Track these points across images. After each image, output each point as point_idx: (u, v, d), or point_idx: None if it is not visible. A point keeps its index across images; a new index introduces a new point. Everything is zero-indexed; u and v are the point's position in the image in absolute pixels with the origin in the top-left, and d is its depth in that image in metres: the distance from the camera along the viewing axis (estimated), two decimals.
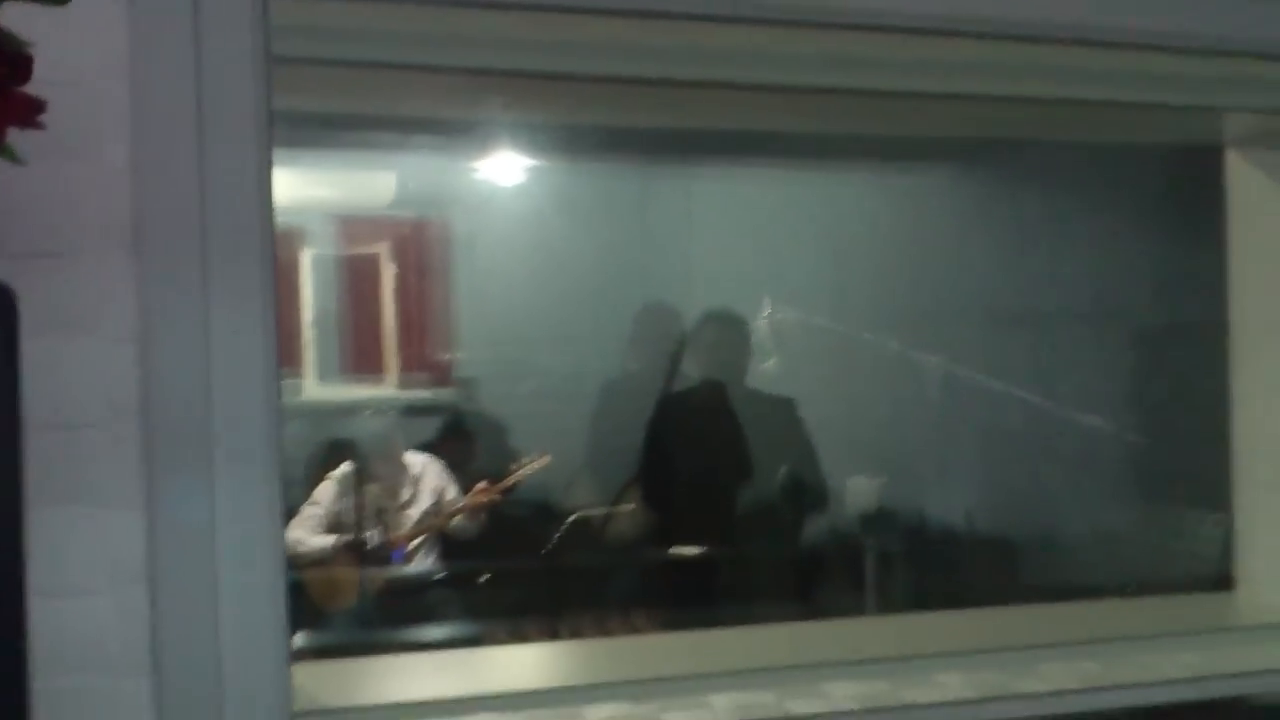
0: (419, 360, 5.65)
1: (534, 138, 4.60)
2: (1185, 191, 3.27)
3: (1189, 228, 3.21)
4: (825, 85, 2.04)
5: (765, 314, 4.79)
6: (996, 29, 1.81)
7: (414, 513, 4.39)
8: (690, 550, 3.97)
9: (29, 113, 1.15)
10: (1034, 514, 4.34)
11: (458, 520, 4.39)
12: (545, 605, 4.05)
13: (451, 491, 4.45)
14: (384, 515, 4.28)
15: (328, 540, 4.15)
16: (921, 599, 4.27)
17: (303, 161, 5.02)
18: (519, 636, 3.84)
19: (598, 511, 4.22)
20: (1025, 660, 1.95)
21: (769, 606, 3.96)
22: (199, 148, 1.48)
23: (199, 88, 1.49)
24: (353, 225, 5.77)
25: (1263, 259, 2.43)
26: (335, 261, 5.72)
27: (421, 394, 5.41)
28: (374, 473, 4.38)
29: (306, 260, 5.60)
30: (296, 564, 4.12)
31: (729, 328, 4.20)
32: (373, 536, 4.19)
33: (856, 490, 4.27)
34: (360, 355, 5.68)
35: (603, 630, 3.86)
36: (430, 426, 4.82)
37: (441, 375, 5.54)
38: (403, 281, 5.75)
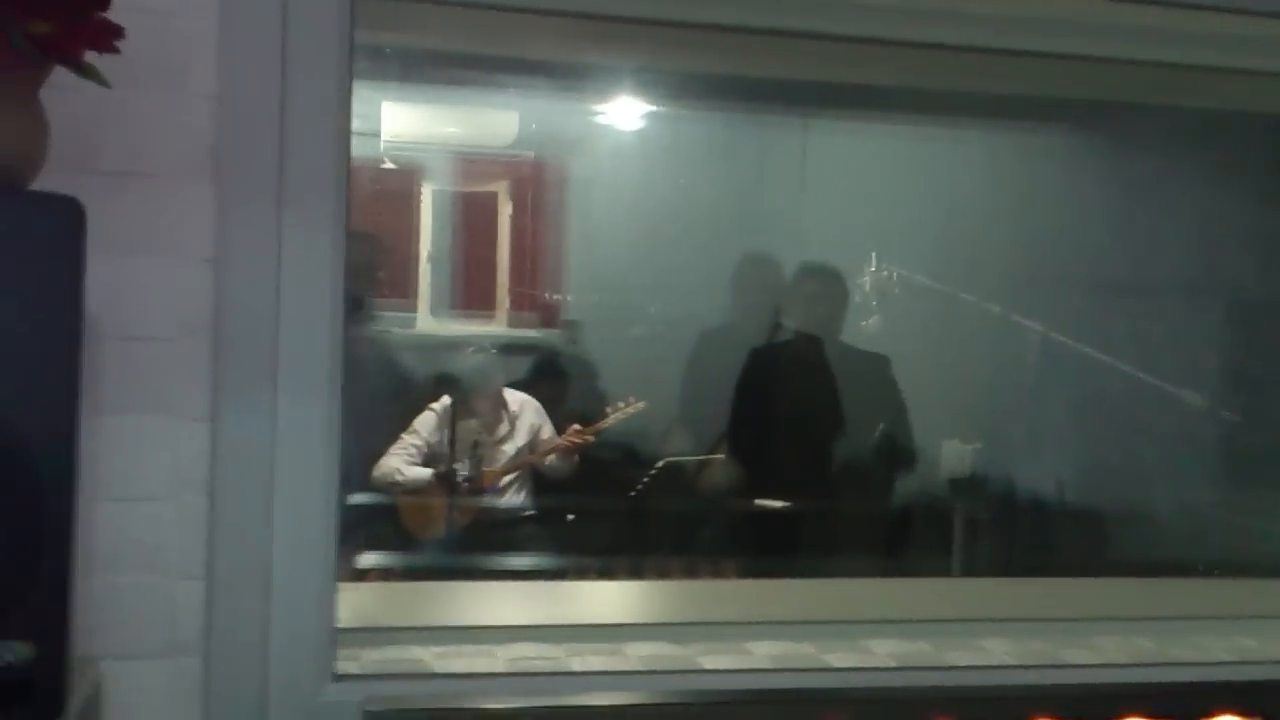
0: (528, 300, 5.74)
1: (655, 84, 4.61)
2: None
3: None
4: (942, 41, 2.01)
5: (870, 270, 4.74)
6: None
7: (509, 449, 4.49)
8: (775, 503, 3.98)
9: (107, 37, 1.22)
10: (1125, 488, 4.24)
11: (551, 460, 4.47)
12: (628, 546, 4.12)
13: (547, 430, 4.53)
14: (479, 449, 4.38)
15: (424, 473, 4.27)
16: (1005, 566, 4.21)
17: (428, 98, 5.12)
18: (600, 574, 3.93)
19: (688, 459, 4.26)
20: (1080, 631, 1.93)
21: (850, 563, 3.96)
22: (282, 79, 1.54)
23: (284, 20, 1.54)
24: (473, 163, 5.86)
25: None
26: (454, 198, 5.82)
27: (528, 333, 5.50)
28: (473, 408, 4.48)
29: (427, 195, 5.71)
30: (391, 492, 4.26)
31: (825, 281, 4.18)
32: (467, 470, 4.30)
33: (950, 454, 4.22)
34: (472, 292, 5.79)
35: (680, 574, 3.92)
36: (532, 365, 4.90)
37: (549, 316, 5.62)
38: (518, 221, 5.83)
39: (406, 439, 4.34)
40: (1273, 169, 3.59)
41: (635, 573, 3.91)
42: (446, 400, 4.37)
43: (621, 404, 4.51)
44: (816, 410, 4.04)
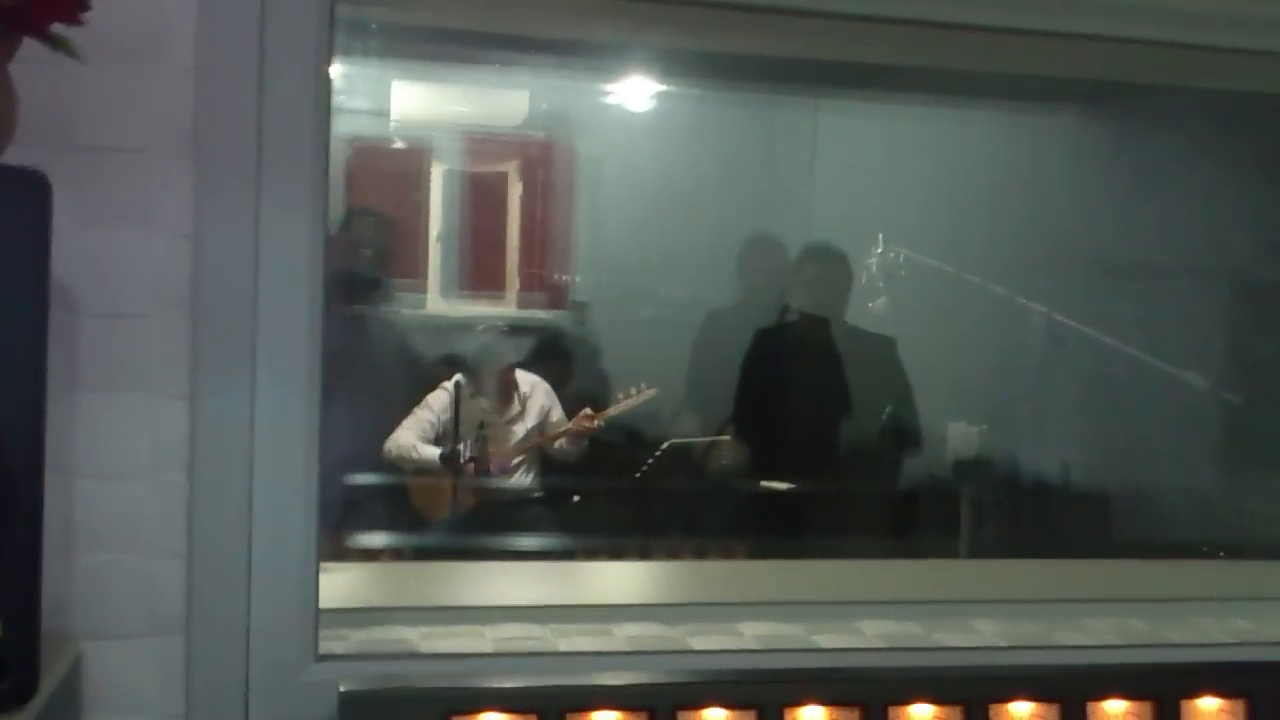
0: (537, 281, 5.72)
1: (665, 63, 4.58)
2: None
3: None
4: (953, 20, 1.99)
5: (877, 251, 4.71)
6: None
7: (519, 430, 4.48)
8: (781, 484, 3.97)
9: (73, 9, 1.20)
10: (1130, 470, 4.21)
11: (561, 443, 4.46)
12: (632, 528, 4.11)
13: (557, 413, 4.53)
14: (490, 429, 4.38)
15: (435, 451, 4.27)
16: (1011, 547, 4.20)
17: (439, 77, 5.10)
18: (605, 555, 3.92)
19: (692, 440, 4.24)
20: (1072, 613, 1.91)
21: (855, 544, 3.95)
22: (260, 52, 1.52)
23: None
24: (483, 142, 5.84)
25: None
26: (464, 178, 5.80)
27: (537, 314, 5.49)
28: (485, 388, 4.48)
29: (436, 175, 5.69)
30: (403, 466, 4.27)
31: (829, 263, 4.16)
32: (477, 449, 4.29)
33: (956, 436, 4.20)
34: (481, 272, 5.77)
35: (685, 555, 3.91)
36: (539, 345, 4.89)
37: (557, 297, 5.61)
38: (527, 201, 5.81)
39: (420, 414, 4.34)
40: None
41: (641, 554, 3.90)
42: (459, 378, 4.37)
43: (633, 390, 4.49)
44: (822, 391, 4.02)
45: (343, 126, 4.66)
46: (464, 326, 5.26)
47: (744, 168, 5.23)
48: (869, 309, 4.53)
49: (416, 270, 5.59)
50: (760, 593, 2.05)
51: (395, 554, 3.92)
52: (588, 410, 4.45)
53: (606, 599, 2.02)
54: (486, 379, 4.51)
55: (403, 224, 5.51)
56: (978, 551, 4.09)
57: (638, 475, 4.20)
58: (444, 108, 5.54)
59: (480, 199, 5.85)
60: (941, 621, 1.83)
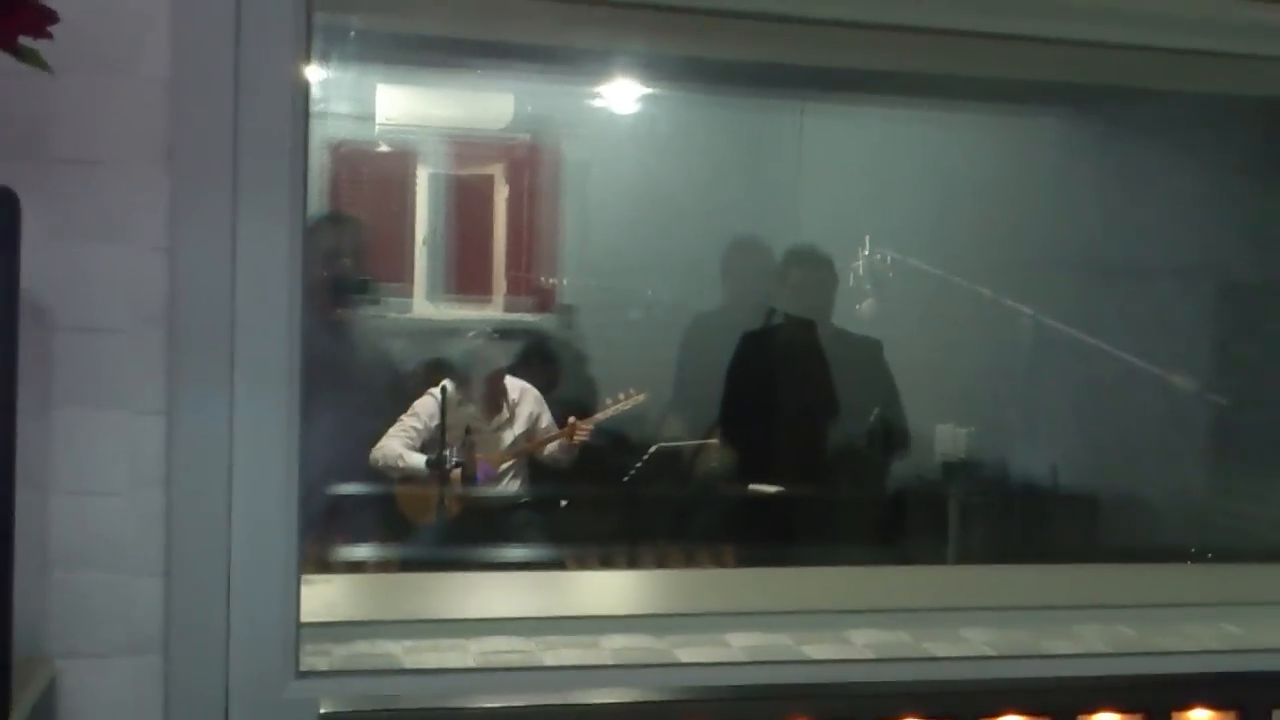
0: (524, 284, 5.69)
1: (651, 66, 4.56)
2: None
3: None
4: (938, 26, 1.98)
5: (864, 254, 4.70)
6: None
7: (507, 437, 4.45)
8: (769, 488, 3.95)
9: (40, 22, 1.18)
10: (1118, 472, 4.20)
11: (550, 449, 4.43)
12: (620, 533, 4.09)
13: (546, 419, 4.49)
14: (477, 436, 4.35)
15: (422, 459, 4.24)
16: (1000, 550, 4.19)
17: (423, 81, 5.08)
18: (594, 562, 3.90)
19: (679, 444, 4.22)
20: (1061, 620, 1.90)
21: (844, 547, 3.94)
22: (235, 62, 1.50)
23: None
24: (469, 146, 5.81)
25: None
26: (449, 181, 5.78)
27: (524, 318, 5.46)
28: (473, 394, 4.45)
29: (422, 178, 5.67)
30: (390, 475, 4.24)
31: (814, 266, 4.14)
32: (461, 456, 4.26)
33: (944, 438, 4.19)
34: (468, 276, 5.75)
35: (674, 560, 3.89)
36: (526, 350, 4.87)
37: (544, 300, 5.58)
38: (513, 204, 5.78)
39: (406, 421, 4.31)
40: (1268, 152, 3.55)
41: (629, 560, 3.88)
42: (446, 384, 4.34)
43: (621, 395, 4.46)
44: (808, 394, 4.01)
45: (327, 131, 4.63)
46: (451, 331, 5.23)
47: (730, 171, 5.22)
48: (856, 311, 4.51)
49: (402, 274, 5.56)
50: (748, 601, 2.03)
51: (380, 565, 3.89)
52: (574, 418, 4.42)
53: (594, 610, 2.00)
54: (475, 385, 4.48)
55: (388, 228, 5.48)
56: (966, 554, 4.08)
57: (625, 480, 4.17)
58: (429, 111, 5.51)
59: (466, 202, 5.82)
60: (930, 630, 1.82)
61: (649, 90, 5.02)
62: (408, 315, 5.48)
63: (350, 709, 1.39)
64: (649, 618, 1.85)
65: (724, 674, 1.65)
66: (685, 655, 1.71)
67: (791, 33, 2.40)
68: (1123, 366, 4.08)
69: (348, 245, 4.06)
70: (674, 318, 4.79)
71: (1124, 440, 4.19)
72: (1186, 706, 1.47)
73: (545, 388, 4.58)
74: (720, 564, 3.79)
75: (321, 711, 1.39)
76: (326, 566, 2.97)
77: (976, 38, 2.10)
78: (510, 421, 4.47)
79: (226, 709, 1.49)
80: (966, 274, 4.44)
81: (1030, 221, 4.49)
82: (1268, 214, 3.67)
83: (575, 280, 5.53)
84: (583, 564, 4.11)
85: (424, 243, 5.64)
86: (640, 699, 1.53)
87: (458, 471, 4.20)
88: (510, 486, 4.43)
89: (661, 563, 3.90)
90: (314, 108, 1.61)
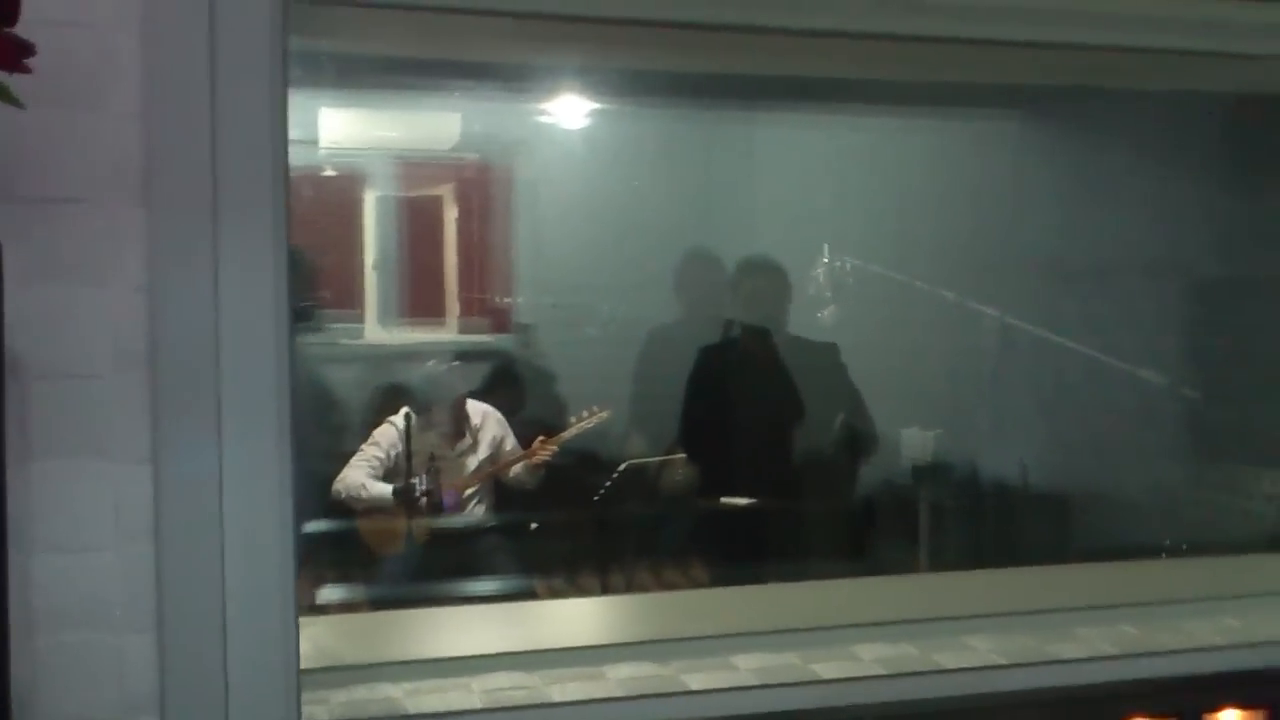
0: (478, 305, 5.64)
1: (598, 81, 4.52)
2: (1254, 142, 3.12)
3: (1256, 179, 3.07)
4: (888, 31, 1.97)
5: (824, 261, 4.70)
6: None
7: (471, 462, 4.38)
8: (741, 500, 3.92)
9: (16, 55, 1.12)
10: (1089, 470, 4.23)
11: (516, 471, 4.37)
12: (595, 554, 4.04)
13: (510, 442, 4.43)
14: (441, 462, 4.28)
15: (387, 489, 4.16)
16: (974, 553, 4.19)
17: (367, 102, 5.00)
18: (568, 586, 3.84)
19: (649, 460, 4.18)
20: (1062, 622, 1.88)
21: (819, 558, 3.92)
22: (211, 93, 1.45)
23: (212, 30, 1.45)
24: (416, 167, 5.75)
25: None
26: (398, 203, 5.71)
27: (480, 339, 5.40)
28: (434, 420, 4.38)
29: (369, 202, 5.60)
30: (354, 506, 4.15)
31: (766, 275, 4.14)
32: (428, 484, 4.19)
33: (911, 441, 4.19)
34: (420, 299, 5.68)
35: (651, 579, 3.85)
36: (486, 372, 4.80)
37: (500, 321, 5.53)
38: (464, 225, 5.72)
39: (368, 450, 4.23)
40: (1224, 148, 3.59)
41: (604, 582, 3.83)
42: (407, 412, 4.26)
43: (585, 413, 4.42)
44: (771, 404, 3.99)
45: None
46: (407, 355, 5.16)
47: (682, 183, 5.20)
48: (819, 319, 4.51)
49: (353, 299, 5.48)
50: (742, 622, 1.99)
51: (349, 606, 3.81)
52: (541, 438, 4.37)
53: (586, 639, 1.95)
54: (436, 411, 4.41)
55: (336, 253, 5.40)
56: (939, 556, 4.07)
57: (596, 499, 4.12)
58: (374, 133, 5.44)
59: (415, 224, 5.76)
60: (936, 640, 1.80)
61: (597, 105, 4.99)
62: (360, 341, 5.40)
63: None
64: (650, 644, 1.81)
65: (738, 700, 1.61)
66: (694, 681, 1.67)
67: (738, 43, 2.39)
68: (1090, 364, 4.11)
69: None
70: (632, 333, 4.75)
71: (1093, 437, 4.22)
72: (1217, 708, 1.46)
73: (508, 409, 4.52)
74: (701, 583, 3.75)
75: None
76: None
77: (925, 42, 2.10)
78: (474, 446, 4.40)
79: None
80: (929, 278, 4.46)
81: (990, 224, 4.51)
82: (1228, 209, 3.71)
83: (531, 299, 5.48)
84: (558, 590, 4.05)
85: (374, 267, 5.56)
86: None
87: (424, 500, 4.13)
88: (476, 511, 4.37)
89: (642, 585, 3.85)
90: None
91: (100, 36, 1.41)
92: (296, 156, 1.51)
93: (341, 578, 3.90)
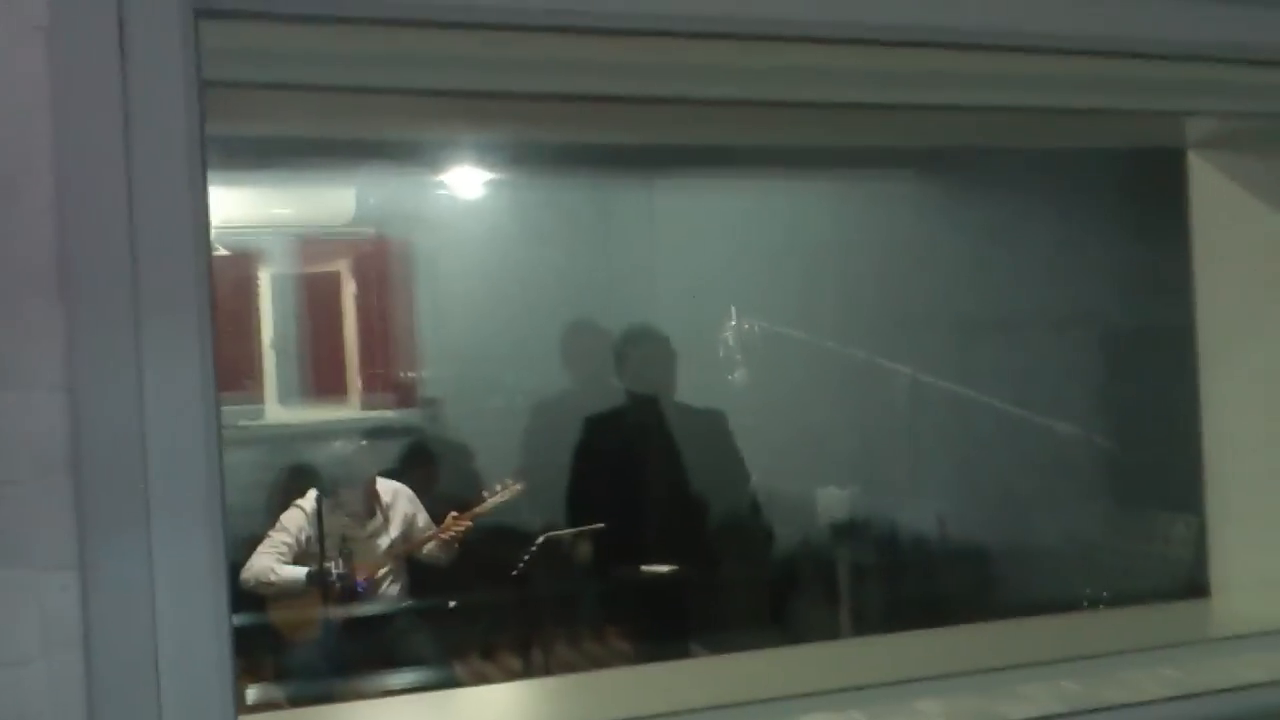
0: (382, 381, 5.56)
1: (494, 153, 4.54)
2: (1149, 194, 3.25)
3: (1154, 230, 3.19)
4: (784, 99, 2.00)
5: (731, 324, 4.74)
6: (955, 38, 1.77)
7: (383, 541, 4.29)
8: (662, 568, 3.90)
9: None
10: (1007, 521, 4.31)
11: (430, 548, 4.30)
12: (515, 630, 3.97)
13: (422, 518, 4.36)
14: (352, 544, 4.18)
15: (299, 571, 4.05)
16: (895, 611, 4.22)
17: (258, 181, 4.94)
18: (490, 665, 3.77)
19: (565, 532, 4.14)
20: (1004, 681, 1.89)
21: (744, 625, 3.91)
22: (128, 183, 1.40)
23: (126, 118, 1.41)
24: (311, 244, 5.69)
25: (1226, 261, 2.42)
26: (294, 281, 5.63)
27: (386, 415, 5.33)
28: (343, 501, 4.28)
29: (265, 280, 5.51)
30: (264, 593, 4.03)
31: (649, 343, 4.16)
32: (340, 567, 4.09)
33: (827, 500, 4.23)
34: (322, 377, 5.58)
35: (576, 656, 3.79)
36: (395, 449, 4.73)
37: (406, 396, 5.46)
38: (363, 300, 5.67)
39: (276, 536, 4.12)
40: (1124, 201, 3.72)
41: (527, 659, 3.75)
42: (314, 494, 4.17)
43: (499, 486, 4.37)
44: (661, 472, 3.99)
45: None
46: (311, 435, 5.06)
47: (582, 252, 5.23)
48: (730, 381, 4.54)
49: (251, 381, 5.37)
50: (674, 700, 1.95)
51: (267, 705, 3.68)
52: (455, 513, 4.31)
53: None
54: (345, 491, 4.32)
55: (232, 333, 5.29)
56: (860, 618, 4.09)
57: (514, 573, 4.06)
58: (267, 211, 5.38)
59: (313, 301, 5.68)
60: (884, 706, 1.79)
61: (494, 176, 5.01)
62: (261, 422, 5.28)
63: None
64: None
65: None
66: None
67: (634, 113, 2.41)
68: (1002, 416, 4.20)
69: None
70: (537, 403, 4.74)
71: (1009, 489, 4.30)
72: None
73: (419, 486, 4.45)
74: (624, 655, 3.71)
75: None
76: None
77: (817, 108, 2.14)
78: (385, 525, 4.32)
79: None
80: (837, 337, 4.53)
81: (895, 282, 4.61)
82: (1128, 259, 3.84)
83: (436, 372, 5.43)
84: (476, 664, 3.97)
85: (272, 346, 5.46)
86: None
87: (338, 583, 4.04)
88: (391, 591, 4.27)
89: (566, 661, 3.79)
90: None
91: (8, 127, 1.36)
92: None
93: (254, 672, 3.76)
